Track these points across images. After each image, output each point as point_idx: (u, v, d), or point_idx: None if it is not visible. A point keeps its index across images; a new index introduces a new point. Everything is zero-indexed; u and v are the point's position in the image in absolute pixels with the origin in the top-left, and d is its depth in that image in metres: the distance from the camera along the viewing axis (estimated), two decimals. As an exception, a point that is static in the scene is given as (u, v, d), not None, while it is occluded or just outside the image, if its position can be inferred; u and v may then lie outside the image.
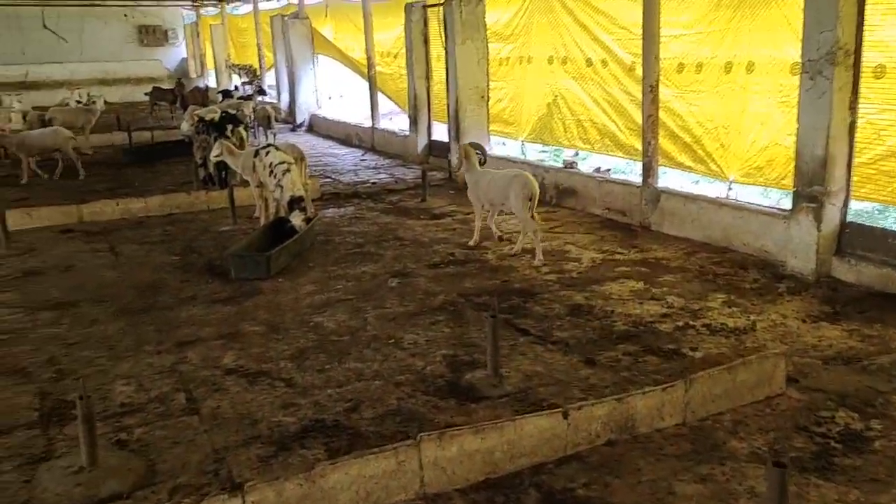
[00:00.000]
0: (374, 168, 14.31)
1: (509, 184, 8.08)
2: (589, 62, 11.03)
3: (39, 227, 10.26)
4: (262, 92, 20.03)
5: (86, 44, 31.00)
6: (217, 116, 12.35)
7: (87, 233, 10.01)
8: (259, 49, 23.17)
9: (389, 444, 4.10)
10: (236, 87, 23.23)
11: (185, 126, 13.03)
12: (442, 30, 13.18)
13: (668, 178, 9.77)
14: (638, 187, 9.50)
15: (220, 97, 23.00)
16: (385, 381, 5.42)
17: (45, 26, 24.99)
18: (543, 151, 13.43)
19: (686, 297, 6.96)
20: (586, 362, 5.63)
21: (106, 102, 19.25)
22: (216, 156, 10.51)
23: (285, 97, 21.19)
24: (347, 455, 3.99)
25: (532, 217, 8.07)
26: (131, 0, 28.05)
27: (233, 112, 12.36)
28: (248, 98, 19.20)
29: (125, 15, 31.84)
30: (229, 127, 11.87)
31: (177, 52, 33.64)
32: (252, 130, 17.35)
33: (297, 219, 8.95)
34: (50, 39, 30.10)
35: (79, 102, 17.81)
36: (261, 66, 23.28)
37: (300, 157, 10.38)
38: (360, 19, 17.26)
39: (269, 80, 23.25)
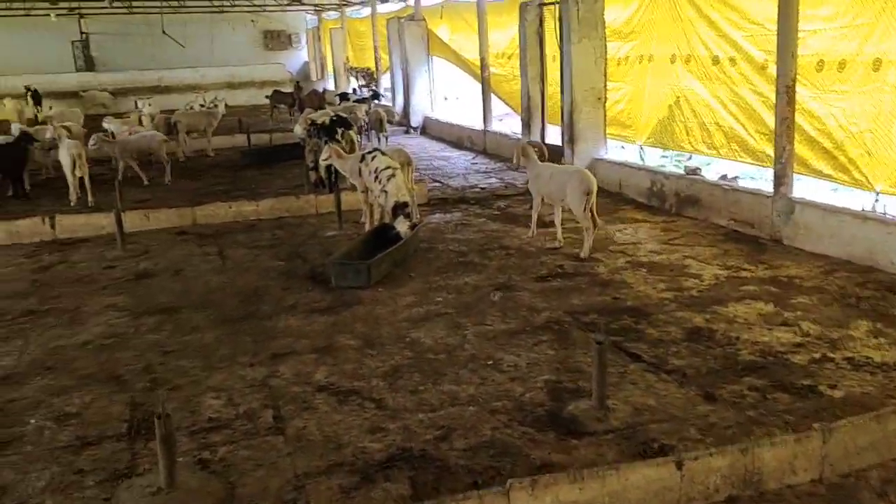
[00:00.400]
0: (484, 172, 13.96)
1: (568, 179, 8.28)
2: (715, 60, 10.25)
3: (156, 228, 10.52)
4: (376, 96, 20.09)
5: (216, 49, 32.35)
6: (328, 120, 12.33)
7: (200, 235, 10.16)
8: (376, 52, 23.34)
9: (479, 479, 3.72)
10: (354, 90, 23.55)
11: (299, 129, 13.14)
12: (557, 29, 12.67)
13: (803, 187, 8.89)
14: (768, 197, 8.68)
15: (337, 100, 23.45)
16: (480, 408, 5.04)
17: (163, 32, 26.13)
18: (664, 156, 12.68)
19: (823, 323, 6.20)
20: (705, 397, 5.04)
21: (227, 106, 19.84)
22: (325, 159, 10.44)
23: (400, 100, 21.18)
24: (430, 502, 3.64)
25: (591, 215, 8.20)
26: (258, 6, 28.89)
27: (344, 115, 12.32)
28: (364, 101, 19.31)
29: (252, 21, 32.97)
30: (339, 130, 11.82)
31: (299, 55, 34.57)
32: (365, 134, 17.43)
33: (401, 225, 8.72)
34: (186, 45, 31.55)
35: (202, 106, 18.43)
36: (377, 69, 23.45)
37: (407, 162, 10.16)
38: (475, 20, 16.96)
39: (385, 82, 23.37)
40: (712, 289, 7.18)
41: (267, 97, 22.20)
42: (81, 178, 12.05)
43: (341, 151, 10.47)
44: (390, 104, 21.40)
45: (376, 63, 23.49)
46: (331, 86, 29.49)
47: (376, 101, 19.51)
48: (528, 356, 5.84)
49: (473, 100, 22.28)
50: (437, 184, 12.98)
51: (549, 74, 13.54)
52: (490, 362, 5.76)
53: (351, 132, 12.13)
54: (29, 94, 26.04)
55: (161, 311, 7.20)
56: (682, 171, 10.82)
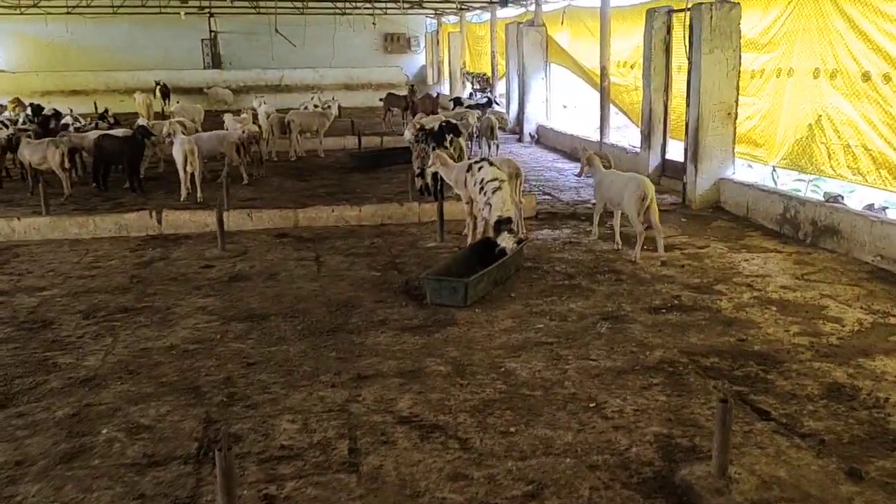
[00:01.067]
0: (598, 186, 13.22)
1: (625, 184, 8.67)
2: (866, 76, 9.20)
3: (258, 229, 10.42)
4: (490, 103, 19.62)
5: (337, 50, 32.81)
6: (437, 126, 11.95)
7: (299, 239, 9.97)
8: (493, 57, 22.91)
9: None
10: (470, 95, 23.21)
11: (408, 134, 12.85)
12: (686, 37, 11.83)
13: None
14: (925, 233, 7.61)
15: (451, 105, 23.18)
16: (578, 461, 4.44)
17: (276, 30, 26.54)
18: (799, 180, 11.60)
19: None
20: (849, 473, 4.25)
21: (342, 107, 19.88)
22: (430, 166, 10.06)
23: (514, 107, 20.65)
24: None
25: (649, 220, 8.59)
26: (379, 7, 29.09)
27: (454, 122, 11.92)
28: (477, 107, 18.90)
29: (373, 23, 33.23)
30: (448, 137, 11.41)
31: (417, 59, 34.63)
32: (476, 141, 17.01)
33: (505, 241, 8.19)
34: (306, 48, 32.17)
35: (316, 107, 18.48)
36: (493, 75, 23.01)
37: (515, 174, 9.61)
38: (597, 26, 16.24)
39: (500, 88, 22.90)
40: (855, 336, 6.27)
41: (381, 100, 22.18)
42: (193, 174, 12.16)
43: (448, 159, 10.04)
44: (503, 111, 20.92)
45: (493, 69, 23.07)
46: (446, 90, 29.31)
47: (490, 108, 19.05)
48: (636, 401, 5.18)
49: (590, 109, 21.60)
50: (547, 197, 12.37)
51: (674, 86, 12.67)
52: (592, 405, 5.14)
53: (460, 140, 11.70)
54: (158, 88, 27.19)
55: (250, 318, 6.96)
56: (820, 198, 9.79)
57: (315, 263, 8.82)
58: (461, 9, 26.40)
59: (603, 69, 15.31)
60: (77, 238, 10.00)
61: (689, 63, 11.07)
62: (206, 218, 10.26)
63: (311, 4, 26.98)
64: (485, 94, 22.16)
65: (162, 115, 22.65)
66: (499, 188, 8.43)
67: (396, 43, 34.32)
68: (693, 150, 11.14)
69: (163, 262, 8.91)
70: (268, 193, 12.87)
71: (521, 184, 9.81)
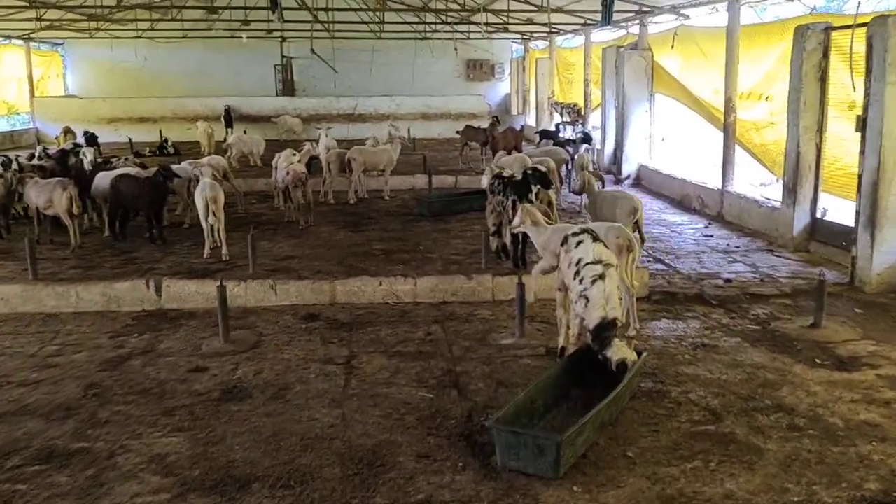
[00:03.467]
0: (724, 251, 10.33)
1: (615, 200, 8.96)
2: None
3: (282, 305, 8.05)
4: (587, 139, 16.90)
5: (416, 77, 30.78)
6: (521, 172, 9.39)
7: (333, 324, 7.53)
8: (586, 85, 20.23)
9: None
10: (558, 128, 20.59)
11: (485, 180, 10.34)
12: (851, 62, 8.98)
13: None
14: None
15: (536, 137, 20.60)
16: None
17: (312, 51, 24.55)
18: None
19: None
20: None
21: (414, 140, 17.55)
22: (516, 227, 7.55)
23: (610, 143, 17.90)
24: None
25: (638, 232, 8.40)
26: (462, 32, 26.90)
27: (542, 169, 9.27)
28: (569, 143, 16.27)
29: (455, 49, 31.11)
30: (534, 189, 8.82)
31: (500, 87, 32.22)
32: (567, 181, 14.38)
33: (614, 353, 5.53)
34: (383, 75, 30.28)
35: (391, 139, 15.98)
36: (586, 106, 20.32)
37: (627, 246, 6.95)
38: (714, 48, 13.46)
39: (593, 120, 20.20)
40: None
41: (458, 132, 19.80)
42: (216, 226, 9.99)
43: (540, 216, 7.51)
44: (595, 145, 18.12)
45: (585, 98, 20.38)
46: (532, 121, 26.77)
47: (586, 145, 16.38)
48: None
49: (694, 143, 18.63)
50: (659, 265, 9.59)
51: (829, 125, 9.77)
52: None
53: (550, 192, 9.09)
54: (222, 115, 25.66)
55: (221, 485, 4.51)
56: None
57: (344, 371, 6.34)
58: (551, 32, 23.86)
59: (728, 102, 12.45)
60: (54, 312, 7.85)
61: (867, 96, 8.17)
62: (213, 290, 7.95)
63: (387, 27, 24.98)
64: (580, 129, 19.49)
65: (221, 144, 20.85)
66: (601, 276, 5.77)
67: (479, 70, 32.00)
68: (869, 213, 8.20)
69: (142, 360, 6.60)
70: (311, 249, 10.54)
71: (633, 262, 7.13)
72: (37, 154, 12.22)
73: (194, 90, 29.04)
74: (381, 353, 6.73)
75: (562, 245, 6.36)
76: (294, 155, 12.94)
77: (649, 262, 9.71)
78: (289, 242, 11.01)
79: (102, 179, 11.02)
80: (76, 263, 9.75)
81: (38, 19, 20.44)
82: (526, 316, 7.11)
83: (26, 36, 25.96)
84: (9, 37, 25.90)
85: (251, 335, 7.15)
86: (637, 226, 8.66)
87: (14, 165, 10.76)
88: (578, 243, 6.11)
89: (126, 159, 12.88)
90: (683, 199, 13.86)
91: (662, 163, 16.12)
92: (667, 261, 9.79)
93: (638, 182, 16.16)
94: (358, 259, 9.90)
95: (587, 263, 5.88)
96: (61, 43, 29.90)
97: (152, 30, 24.97)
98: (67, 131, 19.85)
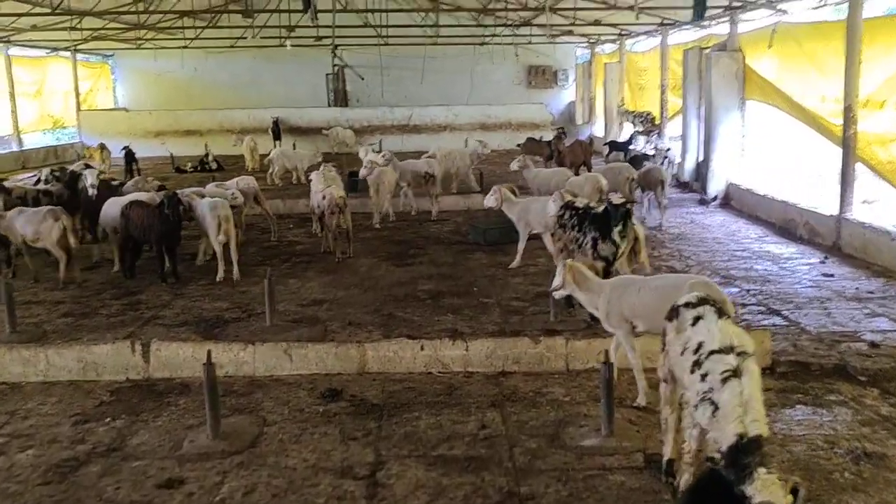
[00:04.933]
0: (854, 297, 8.25)
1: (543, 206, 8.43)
2: None
3: (299, 375, 6.38)
4: (666, 160, 14.89)
5: (475, 85, 29.12)
6: (596, 200, 7.55)
7: (359, 407, 5.81)
8: (663, 92, 18.18)
9: None
10: (631, 139, 18.59)
11: (552, 208, 8.53)
12: None
13: None
14: None
15: (606, 149, 18.65)
16: None
17: (333, 53, 22.93)
18: None
19: None
20: None
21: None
22: (556, 289, 5.84)
23: (691, 157, 15.86)
24: None
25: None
26: (523, 35, 25.11)
27: (628, 204, 7.22)
28: (644, 157, 14.34)
29: (516, 55, 29.31)
30: (618, 225, 6.96)
31: (563, 95, 30.25)
32: (640, 200, 12.42)
33: (757, 492, 3.65)
34: (439, 83, 28.71)
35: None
36: (662, 115, 18.27)
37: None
38: (820, 48, 11.41)
39: (671, 130, 18.15)
40: None
41: (519, 145, 17.97)
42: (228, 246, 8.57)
43: (588, 273, 5.82)
44: (672, 157, 16.06)
45: (662, 106, 18.32)
46: (599, 131, 24.78)
47: (667, 158, 14.36)
48: None
49: (793, 158, 16.44)
50: (776, 319, 7.59)
51: None
52: None
53: (637, 226, 7.22)
54: (270, 127, 24.40)
55: None
56: None
57: (366, 486, 4.61)
58: (622, 35, 21.87)
59: (847, 111, 10.36)
60: (19, 382, 6.33)
61: None
62: (217, 353, 6.33)
63: (443, 32, 23.36)
64: (650, 140, 17.50)
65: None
66: (735, 372, 3.90)
67: (541, 76, 30.09)
68: None
69: (102, 465, 4.97)
70: (345, 290, 8.88)
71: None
72: (43, 177, 10.90)
73: (244, 101, 27.92)
74: (419, 458, 4.98)
75: (669, 319, 4.51)
76: (330, 171, 11.29)
77: (762, 312, 7.73)
78: (321, 280, 9.39)
79: (112, 206, 9.59)
80: (70, 309, 8.29)
81: (77, 28, 19.44)
82: (615, 397, 5.27)
83: (72, 47, 25.22)
84: (55, 48, 25.19)
85: (251, 424, 5.48)
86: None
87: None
88: (696, 319, 4.26)
89: (145, 180, 11.44)
90: (786, 225, 11.75)
91: (757, 182, 13.98)
92: (784, 312, 7.77)
93: (726, 202, 14.06)
94: (399, 305, 8.20)
95: (712, 352, 4.03)
96: (111, 54, 29.20)
97: (198, 38, 23.90)
98: (103, 148, 18.71)
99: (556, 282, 5.87)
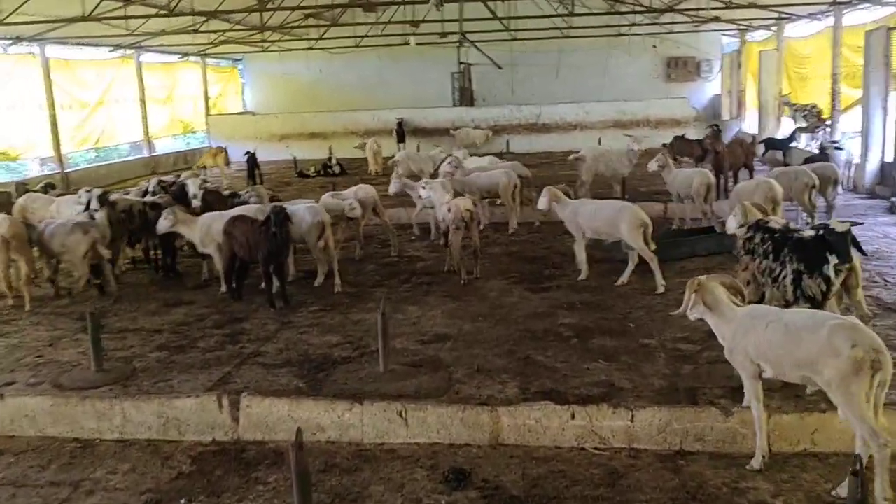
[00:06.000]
0: None
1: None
2: None
3: (417, 443, 5.07)
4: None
5: (609, 80, 27.20)
6: (806, 229, 5.83)
7: (490, 500, 4.43)
8: (834, 82, 15.76)
9: None
10: (793, 136, 16.27)
11: (732, 224, 6.82)
12: None
13: None
14: None
15: (762, 148, 16.40)
16: None
17: (460, 43, 21.31)
18: None
19: None
20: None
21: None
22: (682, 313, 4.37)
23: (875, 156, 13.53)
24: None
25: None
26: (663, 24, 23.05)
27: (841, 225, 5.45)
28: (823, 156, 12.22)
29: (654, 46, 27.16)
30: (831, 261, 5.24)
31: (707, 88, 27.76)
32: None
33: None
34: (569, 78, 27.02)
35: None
36: (834, 107, 15.84)
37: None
38: None
39: (843, 126, 15.72)
40: None
41: (664, 145, 16.08)
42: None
43: (723, 294, 4.60)
44: (846, 154, 13.76)
45: (833, 98, 15.89)
46: (751, 127, 22.35)
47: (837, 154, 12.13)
48: None
49: None
50: None
51: None
52: None
53: (856, 263, 5.45)
54: (394, 129, 23.54)
55: None
56: None
57: None
58: (781, 18, 19.44)
59: None
60: (93, 439, 5.37)
61: None
62: (317, 413, 5.16)
63: (575, 23, 21.68)
64: (824, 137, 15.19)
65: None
66: None
67: (682, 68, 27.73)
68: None
69: (162, 578, 3.86)
70: (472, 323, 7.55)
71: None
72: (150, 188, 10.19)
73: (369, 102, 27.25)
74: None
75: None
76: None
77: None
78: (445, 307, 8.10)
79: (215, 221, 8.69)
80: (167, 340, 7.39)
81: (202, 31, 19.19)
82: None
83: (202, 52, 25.35)
84: (186, 54, 25.39)
85: (350, 520, 4.23)
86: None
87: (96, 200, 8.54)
88: None
89: (250, 190, 10.56)
90: None
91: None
92: None
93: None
94: (538, 345, 6.79)
95: None
96: (240, 59, 29.33)
97: (323, 39, 23.37)
98: (219, 151, 18.22)
99: (683, 307, 4.77)
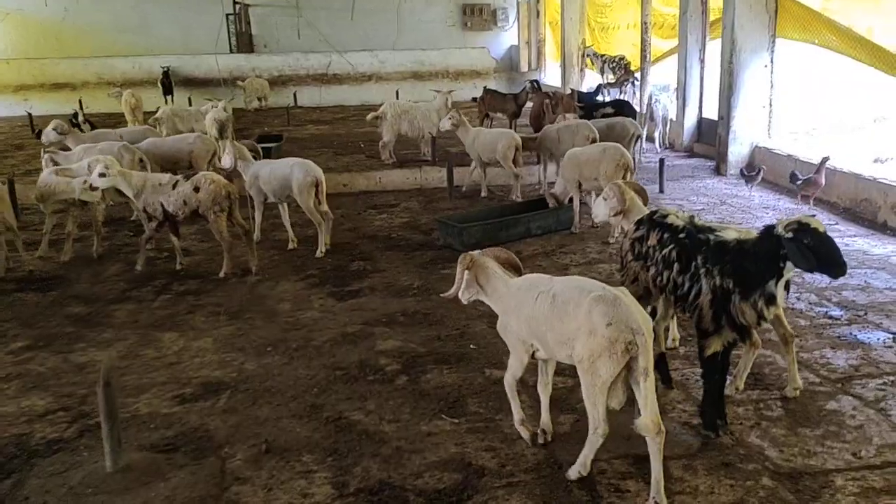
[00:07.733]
0: None
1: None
2: None
3: None
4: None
5: (402, 28, 25.22)
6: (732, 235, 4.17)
7: None
8: (644, 30, 14.85)
9: None
10: (598, 89, 15.28)
11: (603, 210, 5.07)
12: None
13: None
14: None
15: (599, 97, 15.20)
16: None
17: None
18: None
19: None
20: None
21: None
22: None
23: (692, 112, 12.76)
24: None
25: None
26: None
27: (812, 223, 3.87)
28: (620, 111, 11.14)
29: (448, -12, 25.62)
30: (787, 274, 3.64)
31: (503, 38, 26.68)
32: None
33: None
34: (361, 25, 24.72)
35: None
36: (644, 59, 14.98)
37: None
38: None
39: (658, 77, 14.94)
40: None
41: (475, 99, 14.43)
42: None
43: (495, 272, 3.91)
44: (665, 111, 12.98)
45: (643, 49, 15.02)
46: (552, 80, 21.47)
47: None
48: None
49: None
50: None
51: None
52: None
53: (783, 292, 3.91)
54: (160, 79, 20.11)
55: None
56: None
57: None
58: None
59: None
60: None
61: None
62: None
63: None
64: (625, 93, 14.29)
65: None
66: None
67: (478, 17, 26.41)
68: None
69: None
70: (258, 356, 5.35)
71: None
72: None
73: (130, 48, 23.27)
74: None
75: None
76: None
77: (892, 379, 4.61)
78: (217, 332, 5.83)
79: None
80: None
81: None
82: None
83: None
84: None
85: None
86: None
87: None
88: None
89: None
90: (858, 207, 8.76)
91: (797, 145, 10.93)
92: None
93: (756, 173, 10.94)
94: (353, 393, 4.78)
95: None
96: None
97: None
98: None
99: (454, 287, 4.10)
